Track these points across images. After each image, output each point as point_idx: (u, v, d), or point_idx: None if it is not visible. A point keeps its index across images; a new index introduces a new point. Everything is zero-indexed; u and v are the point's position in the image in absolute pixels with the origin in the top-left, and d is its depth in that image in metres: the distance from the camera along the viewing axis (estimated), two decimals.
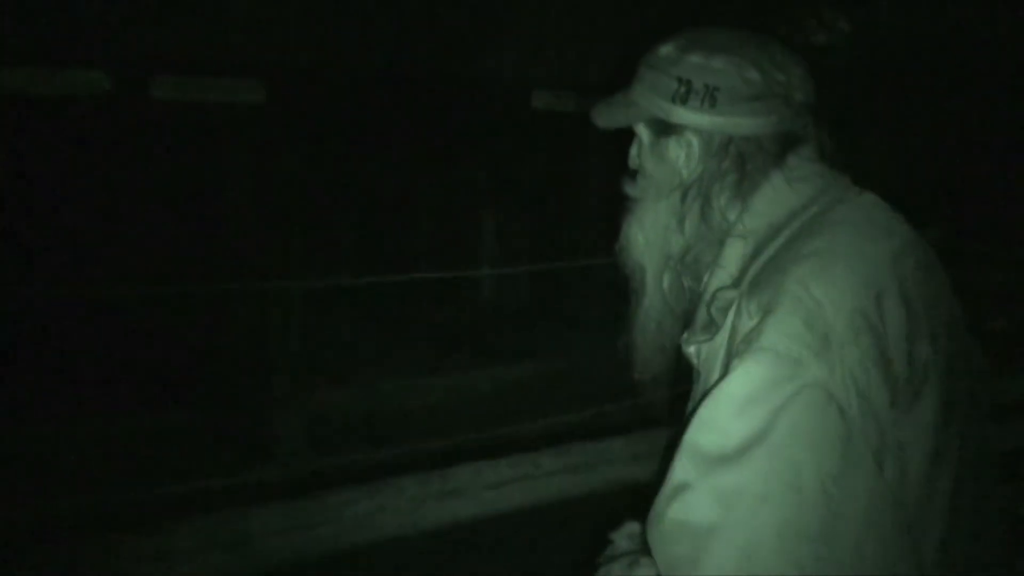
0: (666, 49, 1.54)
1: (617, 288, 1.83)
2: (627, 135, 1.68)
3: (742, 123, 1.49)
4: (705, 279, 1.54)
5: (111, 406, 3.98)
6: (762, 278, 1.38)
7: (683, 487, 1.27)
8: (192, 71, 4.46)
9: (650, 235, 1.64)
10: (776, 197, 1.50)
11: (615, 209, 1.71)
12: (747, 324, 1.31)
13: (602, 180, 5.77)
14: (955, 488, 1.39)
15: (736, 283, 1.45)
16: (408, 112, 5.22)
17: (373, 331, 5.12)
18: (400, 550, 2.44)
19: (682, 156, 1.54)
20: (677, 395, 1.58)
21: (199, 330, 4.54)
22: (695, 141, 1.53)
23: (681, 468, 1.28)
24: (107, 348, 4.28)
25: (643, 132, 1.61)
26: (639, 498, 1.60)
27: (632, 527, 1.62)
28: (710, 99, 1.50)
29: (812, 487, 1.23)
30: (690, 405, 1.46)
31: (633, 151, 1.68)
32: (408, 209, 5.83)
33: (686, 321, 1.63)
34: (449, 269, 5.20)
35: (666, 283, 1.64)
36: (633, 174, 1.67)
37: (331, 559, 2.19)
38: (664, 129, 1.55)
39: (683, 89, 1.52)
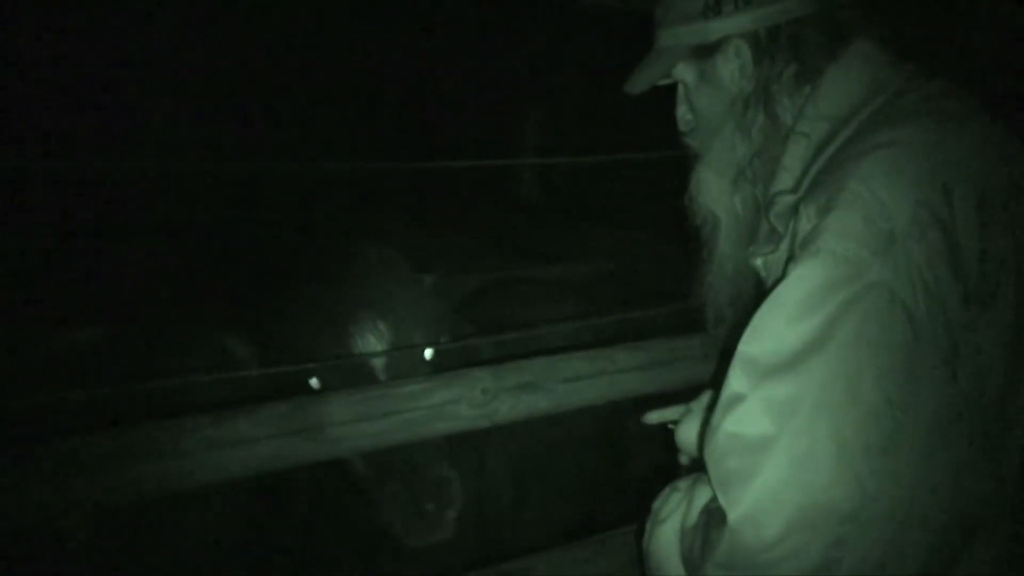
0: None
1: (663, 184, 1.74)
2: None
3: (783, 6, 1.41)
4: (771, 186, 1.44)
5: None
6: (822, 178, 1.28)
7: (736, 399, 1.20)
8: None
9: (719, 164, 1.55)
10: (835, 88, 1.38)
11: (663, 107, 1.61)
12: (805, 227, 1.22)
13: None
14: None
15: (796, 186, 1.35)
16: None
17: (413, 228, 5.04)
18: (477, 441, 2.41)
19: (735, 68, 1.47)
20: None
21: None
22: (743, 46, 1.45)
23: (735, 379, 1.21)
24: None
25: (684, 73, 1.54)
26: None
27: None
28: None
29: (874, 396, 1.11)
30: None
31: (680, 110, 1.61)
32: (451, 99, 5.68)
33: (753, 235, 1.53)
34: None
35: (739, 202, 1.54)
36: (688, 132, 1.63)
37: (405, 448, 2.15)
38: (706, 52, 1.48)
39: (712, 1, 1.43)
